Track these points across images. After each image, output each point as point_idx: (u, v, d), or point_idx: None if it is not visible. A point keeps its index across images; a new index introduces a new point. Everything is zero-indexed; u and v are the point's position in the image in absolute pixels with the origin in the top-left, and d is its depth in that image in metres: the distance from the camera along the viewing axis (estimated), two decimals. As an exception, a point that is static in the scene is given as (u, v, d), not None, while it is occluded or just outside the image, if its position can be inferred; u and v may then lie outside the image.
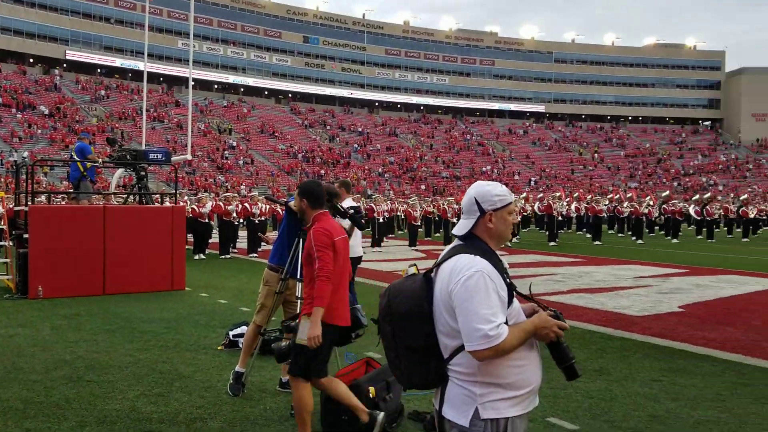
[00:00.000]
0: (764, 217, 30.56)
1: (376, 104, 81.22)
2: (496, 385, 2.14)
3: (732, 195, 52.07)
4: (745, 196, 35.40)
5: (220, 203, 18.81)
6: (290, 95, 76.97)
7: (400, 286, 2.30)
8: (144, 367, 5.78)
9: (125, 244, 10.19)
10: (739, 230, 27.65)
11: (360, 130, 72.78)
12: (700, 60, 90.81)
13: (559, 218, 25.44)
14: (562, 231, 28.03)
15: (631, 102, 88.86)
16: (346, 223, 5.24)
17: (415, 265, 2.40)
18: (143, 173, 13.19)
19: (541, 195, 33.71)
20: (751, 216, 27.06)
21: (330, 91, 77.95)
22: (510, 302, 2.17)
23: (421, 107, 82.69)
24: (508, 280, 2.20)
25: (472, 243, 2.26)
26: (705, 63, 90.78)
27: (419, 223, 22.80)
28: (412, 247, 19.68)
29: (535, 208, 28.22)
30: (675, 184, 69.41)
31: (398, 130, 75.76)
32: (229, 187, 43.00)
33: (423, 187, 58.43)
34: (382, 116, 79.60)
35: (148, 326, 7.57)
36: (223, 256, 16.71)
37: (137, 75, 62.43)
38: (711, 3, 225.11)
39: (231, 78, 72.30)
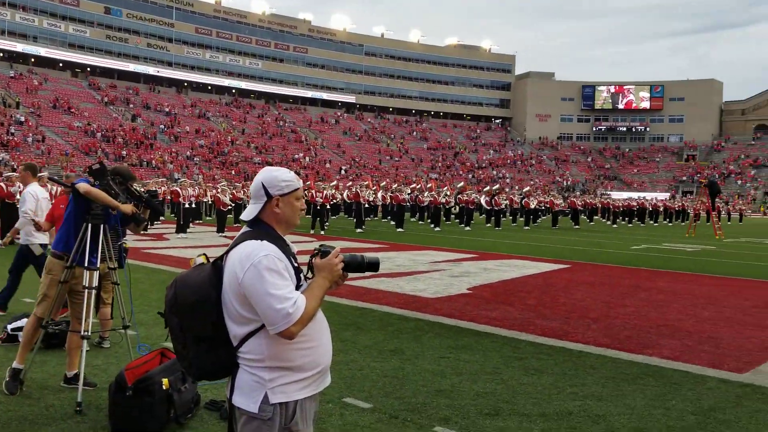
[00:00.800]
0: (543, 208, 34.10)
1: (185, 84, 77.64)
2: (286, 369, 2.19)
3: (517, 187, 57.55)
4: (528, 188, 39.29)
5: (2, 184, 16.84)
6: (89, 69, 70.82)
7: (186, 276, 2.27)
8: None
9: None
10: (521, 219, 30.66)
11: (167, 110, 69.15)
12: (494, 62, 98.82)
13: (366, 206, 26.34)
14: (369, 218, 29.06)
15: (434, 98, 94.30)
16: (128, 207, 4.91)
17: (204, 254, 2.38)
18: None
19: (351, 183, 34.59)
20: (532, 206, 30.09)
21: (134, 68, 73.02)
22: (298, 287, 2.23)
23: (233, 90, 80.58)
24: (295, 264, 2.26)
25: (260, 228, 2.29)
26: (498, 65, 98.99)
27: (229, 209, 22.29)
28: (221, 234, 19.19)
29: (344, 196, 28.93)
30: (470, 176, 75.08)
31: (209, 113, 73.14)
32: (14, 167, 38.60)
33: (234, 172, 57.13)
34: (191, 97, 76.30)
35: None
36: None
37: None
38: (505, 9, 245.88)
39: (20, 46, 64.90)
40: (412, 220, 31.05)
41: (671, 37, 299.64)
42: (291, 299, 2.12)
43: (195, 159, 59.49)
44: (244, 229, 2.33)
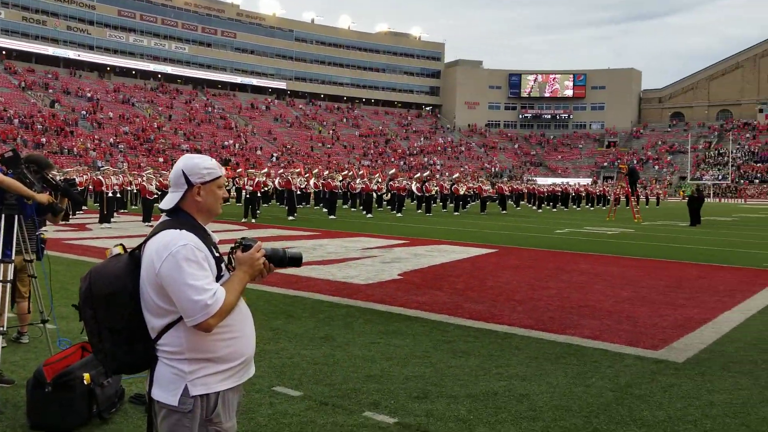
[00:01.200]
0: (472, 194, 34.71)
1: (108, 69, 74.70)
2: (207, 360, 2.16)
3: (447, 174, 58.44)
4: (457, 174, 39.94)
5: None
6: (4, 52, 67.17)
7: (102, 267, 2.20)
8: None
9: None
10: (451, 205, 31.15)
11: (89, 95, 66.45)
12: (424, 50, 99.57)
13: (298, 193, 26.16)
14: (301, 206, 28.88)
15: (365, 85, 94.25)
16: (43, 197, 4.73)
17: (121, 244, 2.32)
18: None
19: (282, 171, 34.25)
20: (462, 192, 30.60)
21: (53, 51, 69.75)
22: (219, 277, 2.20)
23: (159, 75, 78.11)
24: (216, 254, 2.23)
25: (179, 217, 2.23)
26: (428, 53, 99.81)
27: (155, 198, 21.66)
28: (147, 223, 18.65)
29: (276, 183, 28.63)
30: (401, 162, 75.62)
31: (133, 99, 70.68)
32: None
33: (161, 159, 55.55)
34: (114, 82, 73.54)
35: None
36: None
37: None
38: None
39: (-74, 28, 60.90)
40: (345, 207, 31.04)
41: (593, 26, 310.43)
42: (209, 291, 2.07)
43: (119, 146, 57.51)
44: (163, 218, 2.27)
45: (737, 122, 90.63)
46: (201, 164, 2.27)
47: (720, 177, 77.54)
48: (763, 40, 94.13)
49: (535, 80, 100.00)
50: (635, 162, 78.37)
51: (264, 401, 4.29)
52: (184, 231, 2.15)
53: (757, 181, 76.58)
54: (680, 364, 5.41)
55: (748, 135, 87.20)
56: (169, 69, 78.54)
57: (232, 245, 2.26)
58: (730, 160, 78.82)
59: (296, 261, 2.32)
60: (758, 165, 79.81)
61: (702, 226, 23.23)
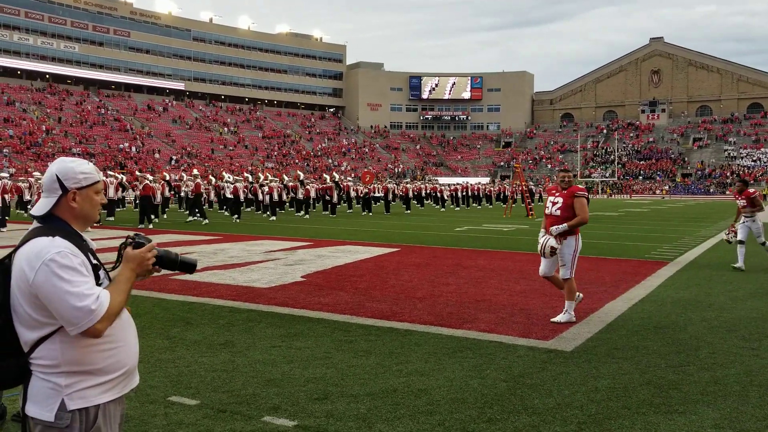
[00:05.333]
0: (376, 194, 35.01)
1: (-11, 68, 69.81)
2: (85, 373, 2.07)
3: (353, 175, 58.67)
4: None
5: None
6: None
7: None
8: None
9: None
10: (358, 206, 31.30)
11: (-34, 96, 61.79)
12: (325, 52, 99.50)
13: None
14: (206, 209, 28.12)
15: (267, 86, 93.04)
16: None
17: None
18: None
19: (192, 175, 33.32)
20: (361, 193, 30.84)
21: (-76, 49, 64.35)
22: (98, 285, 2.10)
23: (47, 75, 73.78)
24: (94, 261, 2.14)
25: (52, 224, 2.13)
26: (330, 55, 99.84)
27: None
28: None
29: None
30: (306, 164, 75.22)
31: (19, 100, 66.38)
32: None
33: (50, 164, 52.50)
34: (-4, 82, 68.78)
35: None
36: None
37: None
38: (331, 0, 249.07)
39: None
40: (249, 209, 30.53)
41: (481, 32, 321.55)
42: (92, 295, 2.00)
43: (4, 151, 53.88)
44: (34, 224, 2.16)
45: (622, 122, 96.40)
46: (76, 168, 2.19)
47: (607, 174, 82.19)
48: (643, 45, 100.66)
49: (434, 82, 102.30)
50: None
51: (158, 412, 4.16)
52: (57, 238, 2.06)
53: (641, 177, 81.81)
54: (569, 353, 5.69)
55: (632, 134, 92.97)
56: (58, 69, 74.38)
57: (123, 241, 2.19)
58: (616, 158, 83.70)
59: (189, 267, 2.26)
60: (641, 162, 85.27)
61: (591, 221, 24.48)
